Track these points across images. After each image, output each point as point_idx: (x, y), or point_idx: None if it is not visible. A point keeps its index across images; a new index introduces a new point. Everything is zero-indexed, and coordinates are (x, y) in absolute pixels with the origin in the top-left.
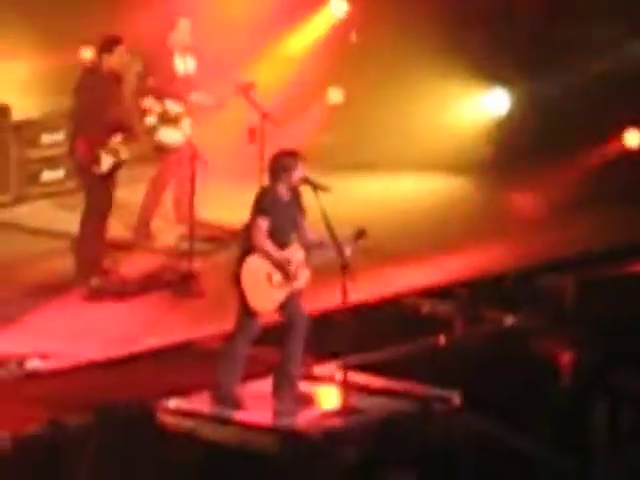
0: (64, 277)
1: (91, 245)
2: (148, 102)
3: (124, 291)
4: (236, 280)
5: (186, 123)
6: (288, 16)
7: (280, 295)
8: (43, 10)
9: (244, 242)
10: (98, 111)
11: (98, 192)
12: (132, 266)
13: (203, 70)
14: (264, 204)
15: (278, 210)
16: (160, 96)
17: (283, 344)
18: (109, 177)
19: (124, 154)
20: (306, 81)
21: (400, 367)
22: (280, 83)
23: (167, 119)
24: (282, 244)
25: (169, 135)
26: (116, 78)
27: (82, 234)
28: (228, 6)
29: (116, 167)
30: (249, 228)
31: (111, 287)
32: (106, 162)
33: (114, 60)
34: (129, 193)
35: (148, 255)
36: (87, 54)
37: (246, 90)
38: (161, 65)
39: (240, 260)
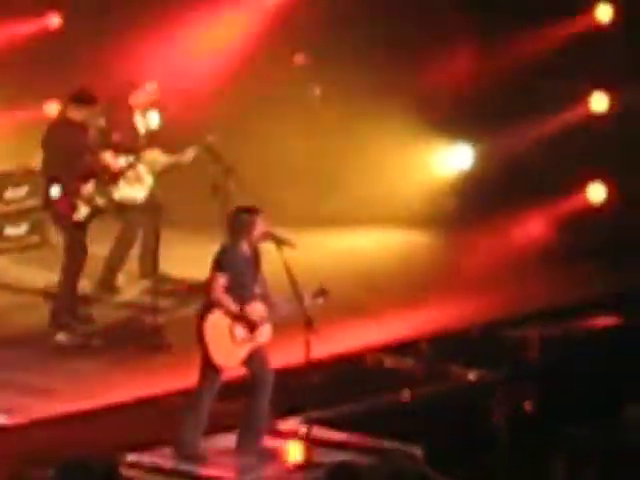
0: (29, 331)
1: (71, 295)
2: (108, 157)
3: (89, 345)
4: (199, 336)
5: (148, 178)
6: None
7: (243, 350)
8: (6, 68)
9: (205, 299)
10: (69, 161)
11: (78, 240)
12: (97, 320)
13: (167, 126)
14: (223, 261)
15: (239, 266)
16: (122, 151)
17: (248, 399)
18: (84, 226)
19: (99, 201)
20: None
21: (364, 422)
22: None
23: (128, 176)
24: (243, 300)
25: (129, 192)
26: (83, 129)
27: (64, 284)
28: (193, 68)
29: (93, 214)
30: (208, 284)
31: (76, 341)
32: (84, 209)
33: (81, 114)
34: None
35: (112, 309)
36: (52, 109)
37: (210, 144)
38: (122, 121)
39: (201, 316)
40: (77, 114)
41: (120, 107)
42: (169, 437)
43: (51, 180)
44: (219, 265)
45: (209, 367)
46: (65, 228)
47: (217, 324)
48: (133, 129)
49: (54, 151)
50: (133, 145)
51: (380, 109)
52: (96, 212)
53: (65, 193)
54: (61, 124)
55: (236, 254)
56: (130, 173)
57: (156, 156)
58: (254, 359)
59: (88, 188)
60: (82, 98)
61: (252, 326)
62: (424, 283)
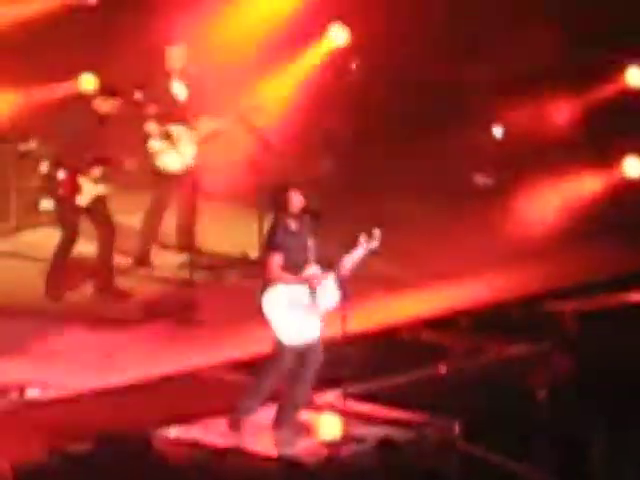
0: (67, 305)
1: (60, 272)
2: (150, 127)
3: (125, 319)
4: (264, 315)
5: (188, 149)
6: (289, 43)
7: (314, 322)
8: (38, 42)
9: (263, 280)
10: (83, 146)
11: (72, 225)
12: (134, 294)
13: (203, 95)
14: (275, 240)
15: (290, 242)
16: (162, 122)
17: (294, 374)
18: (88, 211)
19: (104, 189)
20: (307, 109)
21: (401, 396)
22: (282, 111)
23: (169, 144)
24: (297, 272)
25: (170, 161)
26: (103, 120)
27: (55, 262)
28: (228, 32)
29: (97, 200)
30: (265, 265)
31: (113, 315)
32: (87, 195)
33: (105, 105)
34: (128, 219)
35: (149, 283)
36: (87, 84)
37: (250, 115)
38: (159, 91)
39: (262, 296)
40: (102, 105)
41: (157, 77)
42: (205, 411)
43: (59, 162)
44: (272, 244)
45: (278, 345)
46: (64, 212)
47: (279, 301)
48: (171, 98)
49: (70, 137)
50: (171, 114)
51: None
52: (100, 200)
53: (71, 177)
54: (83, 112)
55: (284, 230)
56: (170, 142)
57: (202, 123)
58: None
59: (95, 174)
60: (111, 90)
61: (315, 291)
62: (462, 257)
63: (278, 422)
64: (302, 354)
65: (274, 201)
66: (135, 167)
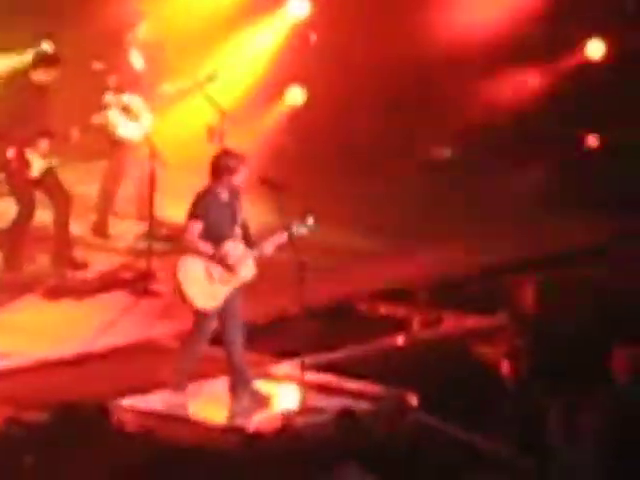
0: (23, 274)
1: (18, 243)
2: (108, 97)
3: (82, 289)
4: (176, 283)
5: (146, 119)
6: (248, 15)
7: (223, 291)
8: None
9: (181, 246)
10: (27, 121)
11: (28, 199)
12: (91, 264)
13: (160, 65)
14: (198, 208)
15: (215, 210)
16: (120, 92)
17: (227, 344)
18: (40, 183)
19: (53, 160)
20: (266, 81)
21: (358, 367)
22: (240, 82)
23: (127, 114)
24: (220, 243)
25: (128, 130)
26: (45, 90)
27: (12, 234)
28: (188, 3)
29: (47, 172)
30: (183, 231)
31: (69, 285)
32: (37, 166)
33: (46, 75)
34: (85, 189)
35: (106, 253)
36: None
37: (206, 83)
38: (119, 61)
39: (177, 263)
40: (42, 75)
41: (117, 47)
42: (162, 380)
43: (4, 138)
44: (194, 212)
45: (195, 312)
46: (17, 186)
47: (193, 268)
48: (130, 69)
49: (10, 108)
50: (130, 84)
51: None
52: (51, 171)
53: (19, 151)
54: (23, 84)
55: (212, 199)
56: (128, 111)
57: (162, 88)
58: (228, 302)
59: (43, 147)
60: (48, 60)
61: (229, 266)
62: (420, 229)
63: (233, 392)
64: (221, 317)
65: (218, 167)
66: (78, 137)
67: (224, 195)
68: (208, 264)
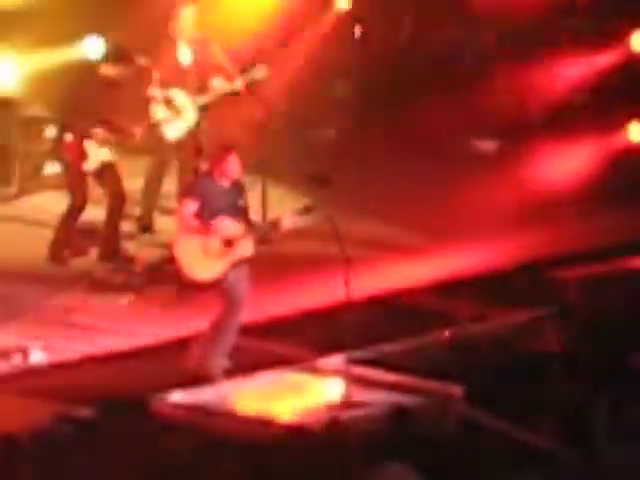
0: (69, 268)
1: (66, 237)
2: (154, 91)
3: (129, 284)
4: (176, 263)
5: (190, 115)
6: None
7: (220, 264)
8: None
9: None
10: (88, 111)
11: (81, 192)
12: (138, 259)
13: (209, 61)
14: (194, 189)
15: (214, 195)
16: (165, 87)
17: (221, 315)
18: (97, 176)
19: (112, 154)
20: (313, 74)
21: (404, 361)
22: (287, 77)
23: (171, 109)
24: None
25: (172, 126)
26: (113, 85)
27: (61, 227)
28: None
29: (107, 166)
30: (177, 210)
31: (116, 279)
32: (93, 161)
33: (115, 70)
34: (132, 185)
35: (152, 248)
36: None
37: (255, 81)
38: (165, 56)
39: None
40: (111, 71)
41: (162, 42)
42: (206, 375)
43: (66, 126)
44: (189, 192)
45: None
46: (72, 178)
47: (188, 244)
48: (176, 63)
49: (76, 102)
50: (175, 79)
51: None
52: (108, 165)
53: (76, 141)
54: (89, 77)
55: (209, 183)
56: (174, 107)
57: (215, 84)
58: (229, 276)
59: (100, 140)
60: (117, 55)
61: (226, 241)
62: (466, 223)
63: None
64: (228, 294)
65: (214, 156)
66: (141, 134)
67: (222, 182)
68: (204, 239)
